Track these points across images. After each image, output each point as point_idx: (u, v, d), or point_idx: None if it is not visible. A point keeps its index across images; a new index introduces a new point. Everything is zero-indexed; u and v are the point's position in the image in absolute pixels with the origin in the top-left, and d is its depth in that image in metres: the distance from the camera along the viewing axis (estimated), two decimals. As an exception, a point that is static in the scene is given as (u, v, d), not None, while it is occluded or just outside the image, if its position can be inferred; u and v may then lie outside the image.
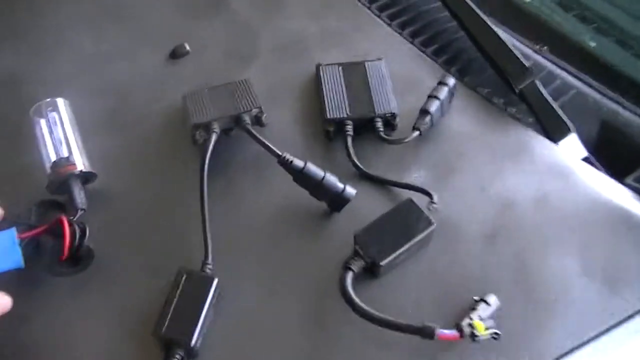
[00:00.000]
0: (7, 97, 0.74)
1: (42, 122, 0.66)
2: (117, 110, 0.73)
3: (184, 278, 0.58)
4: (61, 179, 0.63)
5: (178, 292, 0.57)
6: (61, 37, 0.80)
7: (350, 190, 0.62)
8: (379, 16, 0.82)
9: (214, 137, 0.64)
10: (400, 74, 0.73)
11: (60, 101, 0.68)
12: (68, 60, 0.77)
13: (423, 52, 0.78)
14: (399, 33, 0.80)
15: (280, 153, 0.63)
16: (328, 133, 0.69)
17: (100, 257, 0.61)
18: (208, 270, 0.59)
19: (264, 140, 0.64)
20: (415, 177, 0.67)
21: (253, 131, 0.64)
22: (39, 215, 0.60)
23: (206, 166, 0.63)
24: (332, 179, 0.62)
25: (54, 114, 0.66)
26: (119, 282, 0.61)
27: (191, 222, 0.62)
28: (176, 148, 0.69)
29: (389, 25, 0.81)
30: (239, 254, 0.62)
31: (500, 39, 0.75)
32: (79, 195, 0.63)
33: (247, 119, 0.66)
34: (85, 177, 0.65)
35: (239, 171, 0.67)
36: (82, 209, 0.62)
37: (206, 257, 0.59)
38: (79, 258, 0.59)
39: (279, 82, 0.74)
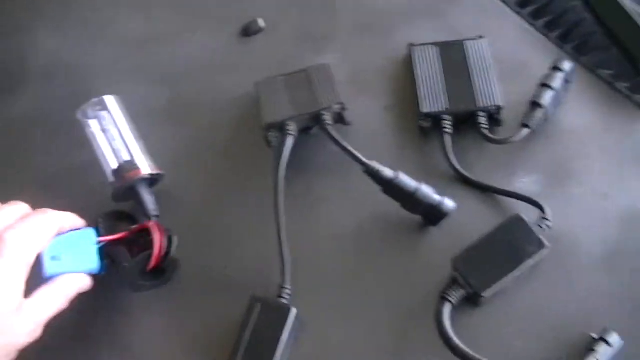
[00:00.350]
0: (55, 90, 0.68)
1: (94, 123, 0.59)
2: (176, 101, 0.66)
3: (259, 307, 0.51)
4: (127, 185, 0.57)
5: (252, 322, 0.51)
6: (106, 20, 0.72)
7: (449, 203, 0.54)
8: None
9: (289, 142, 0.56)
10: (505, 54, 0.63)
11: (109, 99, 0.60)
12: (116, 47, 0.70)
13: (532, 25, 0.67)
14: (503, 2, 0.68)
15: (366, 161, 0.54)
16: (422, 129, 0.59)
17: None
18: (286, 297, 0.52)
19: (347, 145, 0.56)
20: (523, 182, 0.57)
21: (334, 134, 0.56)
22: (107, 229, 0.54)
23: (281, 179, 0.55)
24: (427, 191, 0.54)
25: (105, 113, 0.59)
26: (193, 300, 0.55)
27: (268, 229, 0.55)
28: (249, 143, 0.62)
29: (490, -6, 0.69)
30: (319, 274, 0.55)
31: (625, 9, 0.63)
32: (150, 201, 0.57)
33: (327, 117, 0.57)
34: (153, 180, 0.58)
35: (319, 176, 0.59)
36: (155, 216, 0.56)
37: (283, 280, 0.53)
38: (163, 270, 0.53)
39: (363, 67, 0.64)
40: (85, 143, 0.59)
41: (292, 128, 0.57)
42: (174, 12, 0.71)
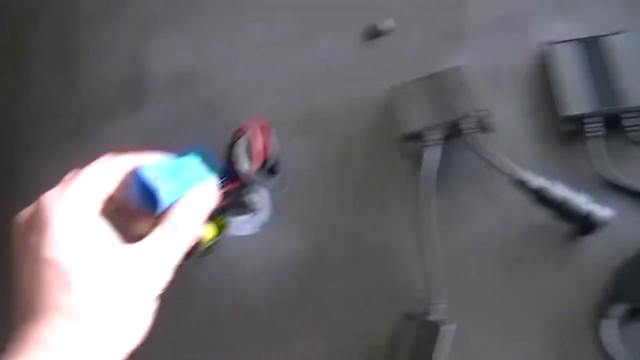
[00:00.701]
0: (184, 100, 0.68)
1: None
2: (306, 109, 0.65)
3: (411, 325, 0.50)
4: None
5: (406, 341, 0.50)
6: (231, 27, 0.71)
7: (604, 212, 0.51)
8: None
9: (435, 152, 0.55)
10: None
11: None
12: (243, 54, 0.69)
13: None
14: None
15: (513, 172, 0.52)
16: (565, 133, 0.57)
17: (309, 288, 0.55)
18: (435, 314, 0.51)
19: (492, 155, 0.54)
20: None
21: (478, 145, 0.54)
22: None
23: (427, 191, 0.54)
24: (580, 200, 0.51)
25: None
26: (338, 314, 0.55)
27: (408, 245, 0.54)
28: (386, 152, 0.60)
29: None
30: (467, 288, 0.54)
31: None
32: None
33: (470, 125, 0.55)
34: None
35: (460, 185, 0.57)
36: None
37: (433, 297, 0.51)
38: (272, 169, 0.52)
39: (497, 67, 0.62)
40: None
41: (435, 137, 0.55)
42: (297, 16, 0.70)
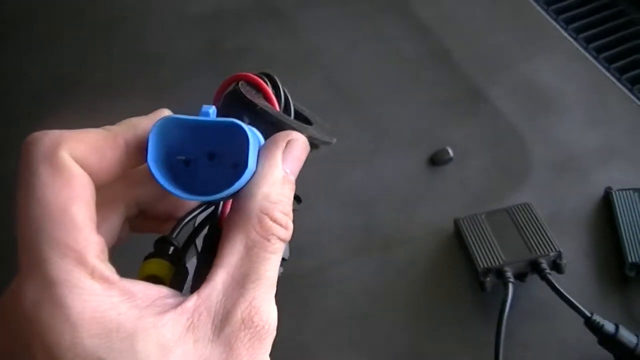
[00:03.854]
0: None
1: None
2: (363, 229, 0.66)
3: None
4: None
5: None
6: None
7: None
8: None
9: (511, 290, 0.57)
10: None
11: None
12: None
13: None
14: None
15: (589, 314, 0.54)
16: (627, 278, 0.60)
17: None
18: None
19: (568, 296, 0.56)
20: None
21: (556, 284, 0.57)
22: None
23: (504, 325, 0.55)
24: (648, 349, 0.53)
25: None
26: None
27: None
28: (443, 282, 0.62)
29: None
30: None
31: None
32: None
33: (545, 265, 0.58)
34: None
35: (522, 321, 0.59)
36: None
37: None
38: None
39: (559, 207, 0.65)
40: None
41: (510, 274, 0.57)
42: (361, 129, 0.72)
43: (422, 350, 0.59)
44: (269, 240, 0.27)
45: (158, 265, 0.29)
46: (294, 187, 0.29)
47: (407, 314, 0.61)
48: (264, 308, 0.26)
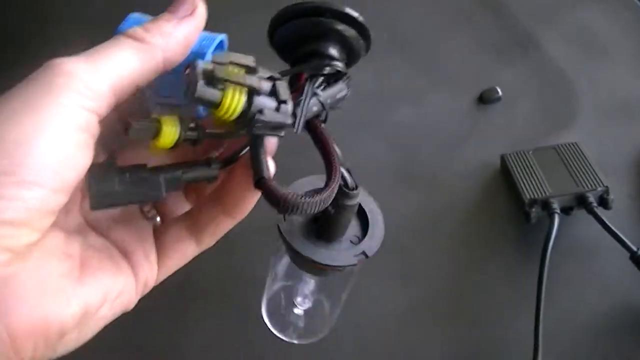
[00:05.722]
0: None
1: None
2: (410, 165, 0.66)
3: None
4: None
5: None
6: None
7: None
8: None
9: (556, 220, 0.57)
10: None
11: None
12: (348, 101, 0.71)
13: None
14: None
15: (635, 248, 0.55)
16: (673, 220, 0.60)
17: (402, 341, 0.56)
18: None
19: (615, 230, 0.56)
20: None
21: (603, 218, 0.57)
22: None
23: (548, 256, 0.56)
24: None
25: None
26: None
27: (506, 309, 0.55)
28: (489, 215, 0.63)
29: None
30: None
31: None
32: None
33: (592, 199, 0.58)
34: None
35: (568, 257, 0.59)
36: None
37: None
38: None
39: (606, 151, 0.65)
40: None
41: (556, 206, 0.58)
42: (410, 68, 0.73)
43: (463, 283, 0.59)
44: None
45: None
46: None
47: (449, 247, 0.61)
48: None
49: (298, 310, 0.46)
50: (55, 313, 0.27)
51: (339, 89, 0.35)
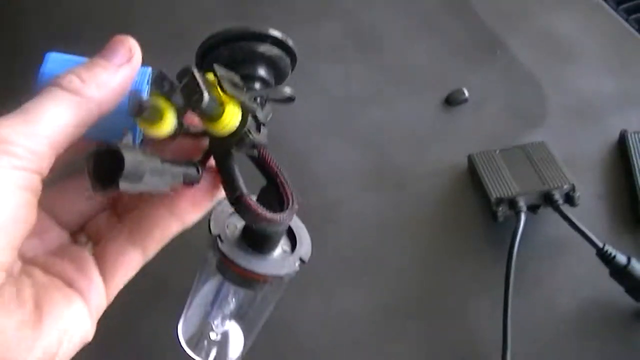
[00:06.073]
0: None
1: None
2: (384, 166, 0.66)
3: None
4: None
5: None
6: (306, 76, 0.73)
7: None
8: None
9: (522, 218, 0.57)
10: None
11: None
12: (318, 104, 0.71)
13: None
14: None
15: (600, 245, 0.55)
16: (640, 219, 0.60)
17: (374, 343, 0.55)
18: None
19: (581, 227, 0.56)
20: None
21: (568, 215, 0.57)
22: None
23: (514, 253, 0.55)
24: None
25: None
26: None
27: (478, 308, 0.55)
28: (457, 214, 0.63)
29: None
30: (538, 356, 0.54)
31: None
32: None
33: (558, 197, 0.58)
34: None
35: (534, 255, 0.59)
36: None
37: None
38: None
39: (573, 150, 0.65)
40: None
41: (523, 204, 0.57)
42: (377, 72, 0.73)
43: (431, 283, 0.59)
44: None
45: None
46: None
47: (418, 248, 0.61)
48: None
49: (213, 335, 0.44)
50: None
51: (269, 109, 0.35)
